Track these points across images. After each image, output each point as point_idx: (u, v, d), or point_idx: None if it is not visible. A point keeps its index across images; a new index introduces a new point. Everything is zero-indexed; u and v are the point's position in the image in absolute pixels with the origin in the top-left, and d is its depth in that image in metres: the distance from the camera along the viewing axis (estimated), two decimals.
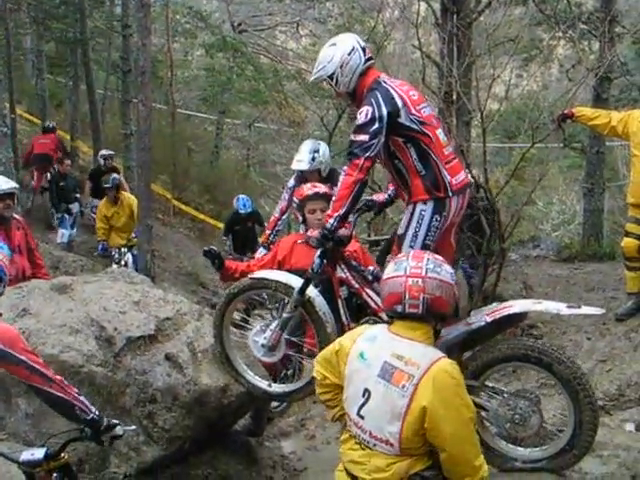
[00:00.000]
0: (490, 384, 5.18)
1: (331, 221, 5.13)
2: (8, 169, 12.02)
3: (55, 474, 4.08)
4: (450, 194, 5.16)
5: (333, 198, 5.18)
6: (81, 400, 4.08)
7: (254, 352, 5.72)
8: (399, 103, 5.07)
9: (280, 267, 6.52)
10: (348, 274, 5.55)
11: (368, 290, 5.50)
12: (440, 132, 5.27)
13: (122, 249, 13.73)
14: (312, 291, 5.48)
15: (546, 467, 5.10)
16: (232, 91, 27.25)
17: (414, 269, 3.98)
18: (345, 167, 5.07)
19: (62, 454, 4.14)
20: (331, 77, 5.29)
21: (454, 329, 5.02)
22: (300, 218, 6.61)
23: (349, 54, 5.24)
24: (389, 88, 5.14)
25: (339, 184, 5.07)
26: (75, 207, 16.00)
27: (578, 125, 9.74)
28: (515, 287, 10.60)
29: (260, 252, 8.83)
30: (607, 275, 12.78)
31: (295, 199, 6.64)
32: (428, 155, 5.13)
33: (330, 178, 8.26)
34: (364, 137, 4.96)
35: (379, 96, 5.05)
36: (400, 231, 5.27)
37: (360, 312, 5.55)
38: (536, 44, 23.80)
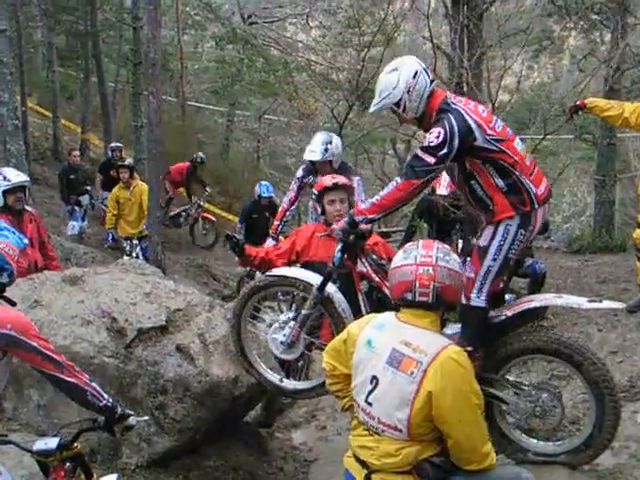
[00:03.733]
0: (511, 377, 5.16)
1: (361, 217, 5.06)
2: (20, 161, 12.05)
3: (68, 464, 4.10)
4: (536, 206, 4.98)
5: (376, 198, 5.03)
6: (93, 386, 4.10)
7: (273, 349, 5.69)
8: (473, 126, 4.87)
9: (298, 258, 6.54)
10: (369, 268, 5.50)
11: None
12: (518, 143, 5.07)
13: (133, 241, 13.77)
14: (331, 287, 5.46)
15: (557, 462, 5.10)
16: (242, 83, 27.16)
17: (424, 257, 3.99)
18: (400, 179, 4.91)
19: (75, 444, 4.16)
20: (397, 104, 5.06)
21: None
22: (319, 209, 6.58)
23: (414, 77, 5.01)
24: (460, 110, 4.93)
25: (388, 191, 4.94)
26: (85, 199, 16.01)
27: (590, 116, 9.70)
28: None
29: (269, 243, 8.86)
30: (618, 267, 12.76)
31: (314, 190, 6.63)
32: (509, 171, 4.94)
33: (341, 171, 8.29)
34: (430, 159, 4.80)
35: (452, 119, 4.84)
36: (483, 243, 5.08)
37: (380, 305, 5.42)
38: (547, 35, 23.76)
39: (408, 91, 4.99)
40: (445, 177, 10.15)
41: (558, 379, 6.60)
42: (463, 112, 4.89)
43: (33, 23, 27.00)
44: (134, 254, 13.46)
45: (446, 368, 3.77)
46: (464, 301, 4.96)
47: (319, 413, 8.60)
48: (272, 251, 6.71)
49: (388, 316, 4.09)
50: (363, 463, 3.94)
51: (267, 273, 5.84)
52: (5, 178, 7.79)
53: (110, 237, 14.26)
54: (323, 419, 8.47)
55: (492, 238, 5.01)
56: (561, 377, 6.86)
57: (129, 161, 14.86)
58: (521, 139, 5.26)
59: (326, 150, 8.38)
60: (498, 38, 10.51)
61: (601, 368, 4.83)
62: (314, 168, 8.61)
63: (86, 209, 16.15)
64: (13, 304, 4.15)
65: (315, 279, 5.47)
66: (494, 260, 5.00)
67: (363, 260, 5.52)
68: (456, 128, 4.78)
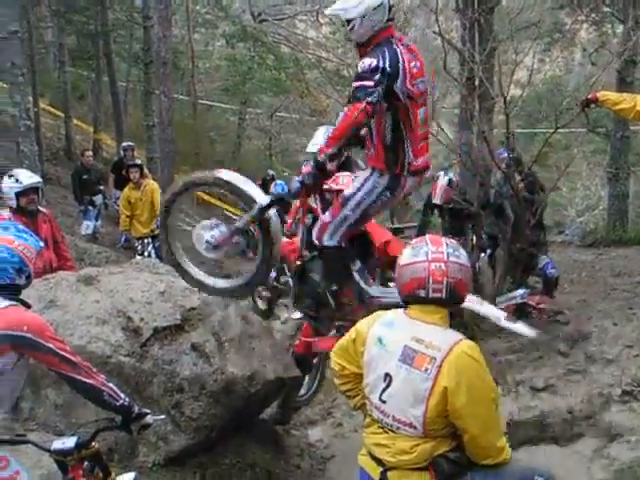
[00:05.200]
0: None
1: (323, 156, 5.10)
2: (32, 162, 12.08)
3: (86, 463, 4.12)
4: (405, 173, 5.19)
5: (330, 133, 5.15)
6: (110, 386, 4.12)
7: (196, 244, 5.71)
8: (400, 70, 5.00)
9: None
10: (318, 205, 5.68)
11: None
12: (421, 111, 5.19)
13: (145, 240, 13.78)
14: (272, 211, 5.55)
15: None
16: (253, 81, 27.21)
17: (435, 254, 3.97)
18: (345, 108, 5.00)
19: (93, 443, 4.18)
20: (348, 22, 5.13)
21: None
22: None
23: (375, 9, 5.07)
24: (398, 51, 5.04)
25: (338, 122, 5.04)
26: (99, 199, 16.04)
27: (602, 110, 9.67)
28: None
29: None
30: (632, 260, 12.73)
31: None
32: (400, 130, 5.12)
33: (346, 164, 8.29)
34: (369, 82, 4.88)
35: (387, 54, 4.97)
36: (348, 191, 5.33)
37: (314, 245, 5.62)
38: (559, 28, 23.66)
39: (363, 16, 5.05)
40: (441, 185, 10.19)
41: (573, 373, 6.60)
42: (399, 54, 5.02)
43: (44, 23, 27.10)
44: (146, 253, 13.48)
45: (460, 363, 3.76)
46: (317, 243, 5.40)
47: (335, 410, 8.62)
48: (286, 246, 6.72)
49: (396, 313, 4.08)
50: (378, 461, 3.93)
51: (219, 174, 5.75)
52: (17, 180, 7.81)
53: (124, 239, 14.28)
54: (339, 416, 8.49)
55: (357, 190, 5.25)
56: (575, 371, 6.88)
57: (139, 160, 14.87)
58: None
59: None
60: (509, 32, 10.48)
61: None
62: None
63: (99, 209, 16.20)
64: (28, 307, 4.17)
65: (263, 199, 5.49)
66: (351, 211, 5.26)
67: (316, 196, 5.69)
68: (388, 62, 4.92)
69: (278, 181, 14.56)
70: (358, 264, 5.67)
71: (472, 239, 10.36)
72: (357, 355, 4.08)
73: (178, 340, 6.06)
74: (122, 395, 4.18)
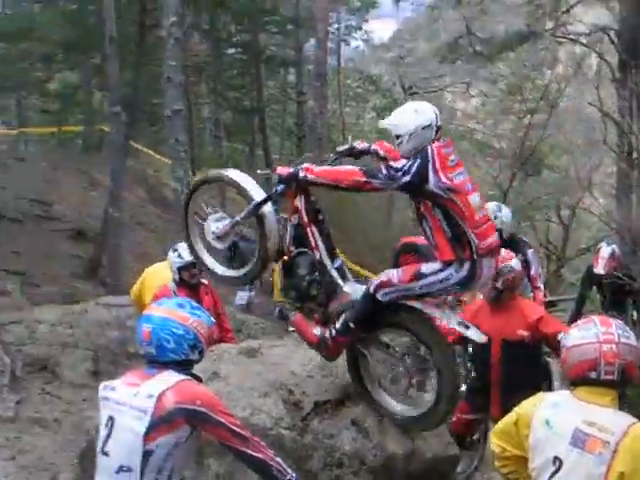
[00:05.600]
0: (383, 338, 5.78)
1: (302, 174, 5.53)
2: None
3: None
4: (475, 257, 5.26)
5: (326, 167, 5.64)
6: (277, 461, 4.17)
7: (206, 235, 6.24)
8: (430, 169, 5.16)
9: None
10: (303, 206, 5.84)
11: (314, 228, 5.85)
12: (473, 198, 5.32)
13: None
14: (267, 208, 5.89)
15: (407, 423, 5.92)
16: None
17: (606, 335, 3.89)
18: (356, 169, 5.32)
19: None
20: (397, 137, 5.42)
21: None
22: None
23: (423, 129, 5.32)
24: (429, 151, 5.22)
25: (341, 168, 5.52)
26: None
27: None
28: None
29: None
30: None
31: None
32: (455, 220, 5.23)
33: (512, 243, 8.26)
34: (384, 172, 5.22)
35: (418, 158, 5.19)
36: (424, 270, 5.39)
37: (300, 243, 5.92)
38: None
39: (410, 135, 5.31)
40: (603, 255, 9.94)
41: None
42: (429, 155, 5.20)
43: (202, 100, 28.25)
44: None
45: (636, 447, 3.65)
46: (371, 290, 5.49)
47: None
48: (443, 326, 6.75)
49: (561, 395, 4.01)
50: None
51: (228, 173, 6.28)
52: (179, 255, 8.11)
53: (279, 310, 14.51)
54: None
55: (432, 273, 5.34)
56: None
57: None
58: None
59: (495, 218, 8.33)
60: None
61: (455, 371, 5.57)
62: None
63: None
64: (199, 380, 4.31)
65: (259, 195, 5.87)
66: (419, 289, 5.39)
67: (302, 197, 5.84)
68: (416, 166, 5.15)
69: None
70: (338, 262, 5.97)
71: (632, 315, 10.07)
72: (520, 438, 4.01)
73: (338, 415, 6.08)
74: (289, 470, 4.22)
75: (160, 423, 3.96)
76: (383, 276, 5.53)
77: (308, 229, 5.88)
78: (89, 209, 22.44)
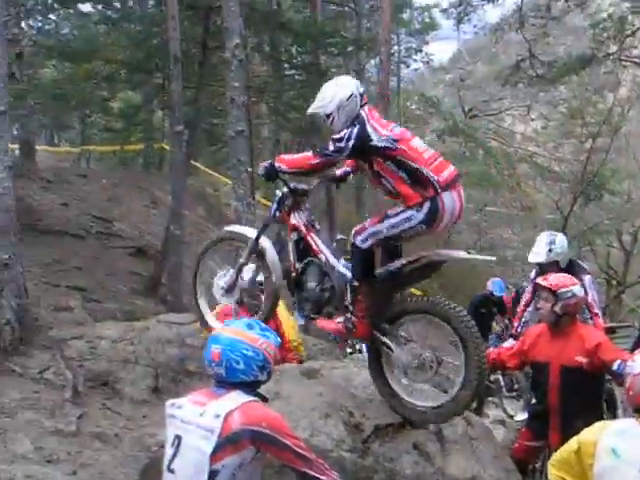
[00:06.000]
0: (402, 331, 5.96)
1: (277, 164, 5.93)
2: None
3: None
4: (439, 190, 5.53)
5: (294, 156, 6.00)
6: None
7: (216, 295, 6.60)
8: (369, 128, 5.64)
9: (525, 356, 6.58)
10: (300, 221, 6.20)
11: (313, 235, 6.16)
12: (416, 142, 5.74)
13: None
14: (265, 242, 6.30)
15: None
16: (463, 176, 27.35)
17: None
18: (310, 153, 5.80)
19: None
20: (328, 116, 5.83)
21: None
22: None
23: (348, 99, 5.76)
24: (363, 115, 5.73)
25: (300, 155, 5.92)
26: None
27: None
28: None
29: (509, 343, 8.87)
30: None
31: None
32: (408, 165, 5.57)
33: (570, 268, 8.22)
34: (331, 146, 5.65)
35: (356, 125, 5.66)
36: (390, 211, 5.73)
37: (304, 254, 6.20)
38: None
39: (339, 108, 5.77)
40: None
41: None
42: (364, 118, 5.72)
43: (261, 120, 28.44)
44: (357, 346, 13.59)
45: None
46: (352, 240, 5.85)
47: None
48: (504, 352, 6.75)
49: (627, 423, 3.96)
50: None
51: (226, 228, 6.94)
52: (241, 277, 8.13)
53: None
54: None
55: (395, 215, 5.67)
56: None
57: None
58: None
59: (550, 251, 8.37)
60: None
61: (478, 342, 5.56)
62: (543, 269, 8.54)
63: None
64: (266, 400, 4.33)
65: (253, 233, 6.32)
66: (386, 230, 5.69)
67: (296, 214, 6.21)
68: (356, 130, 5.62)
69: (496, 279, 14.40)
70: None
71: None
72: (582, 467, 3.95)
73: (399, 438, 6.06)
74: None
75: (226, 443, 3.98)
76: (358, 226, 5.91)
77: (308, 237, 6.19)
78: (149, 227, 22.72)
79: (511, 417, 11.09)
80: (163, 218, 21.30)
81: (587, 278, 8.36)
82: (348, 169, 6.54)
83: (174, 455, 4.16)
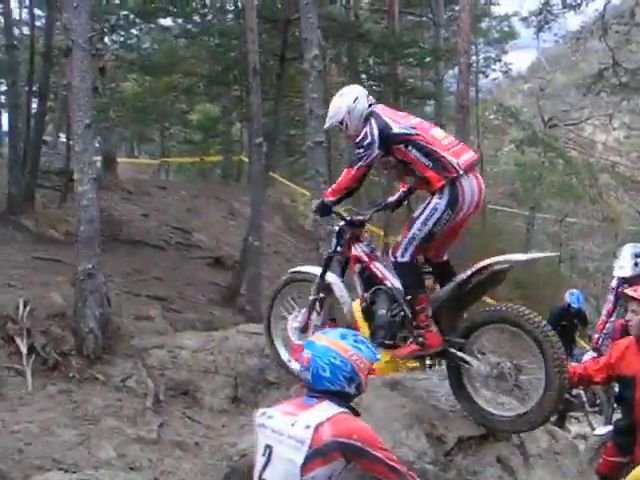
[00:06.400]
0: (477, 344, 5.91)
1: (326, 200, 6.12)
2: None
3: None
4: (460, 171, 5.68)
5: (334, 185, 6.11)
6: None
7: (291, 336, 6.66)
8: (387, 119, 5.89)
9: (612, 370, 6.40)
10: (361, 251, 6.28)
11: (375, 263, 6.22)
12: (435, 130, 5.97)
13: None
14: (331, 276, 6.42)
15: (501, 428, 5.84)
16: (543, 186, 27.01)
17: None
18: (345, 169, 6.00)
19: None
20: (341, 123, 6.10)
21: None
22: None
23: (354, 102, 6.05)
24: (377, 111, 6.00)
25: (340, 178, 6.00)
26: None
27: None
28: None
29: (589, 355, 8.70)
30: None
31: None
32: (428, 149, 5.75)
33: None
34: (360, 150, 5.85)
35: (372, 119, 5.91)
36: (414, 214, 5.85)
37: (369, 284, 6.23)
38: None
39: (349, 112, 6.05)
40: None
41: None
42: (379, 112, 5.98)
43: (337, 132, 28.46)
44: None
45: None
46: (392, 259, 5.95)
47: None
48: (591, 366, 6.59)
49: None
50: None
51: (293, 269, 6.94)
52: None
53: None
54: None
55: (421, 213, 5.78)
56: None
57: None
58: None
59: (636, 265, 8.16)
60: None
61: (555, 344, 5.45)
62: (628, 282, 8.33)
63: None
64: (357, 414, 4.27)
65: (318, 270, 6.46)
66: (419, 230, 5.79)
67: (356, 245, 6.30)
68: (374, 123, 5.87)
69: (574, 290, 14.15)
70: None
71: None
72: None
73: (482, 451, 5.95)
74: None
75: (316, 455, 3.95)
76: (392, 245, 6.07)
77: (371, 266, 6.24)
78: (227, 237, 22.93)
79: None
80: (241, 229, 21.49)
81: None
82: (401, 194, 6.66)
83: (265, 465, 4.14)
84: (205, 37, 24.05)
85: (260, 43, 17.82)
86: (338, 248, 6.37)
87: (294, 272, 6.83)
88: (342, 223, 6.31)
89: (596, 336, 8.95)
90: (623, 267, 8.23)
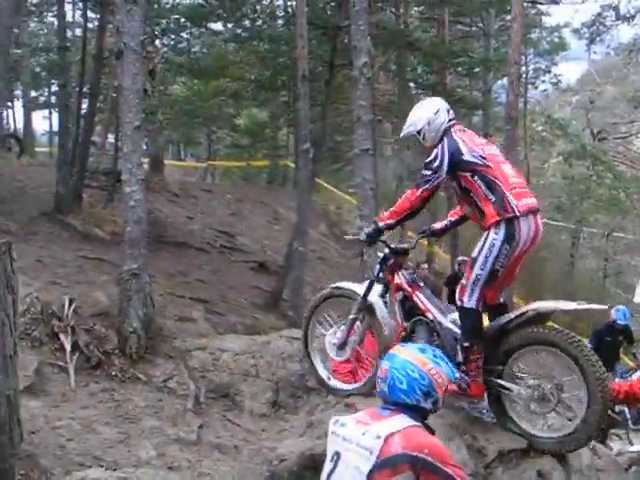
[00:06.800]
0: (514, 368, 5.91)
1: (381, 224, 6.09)
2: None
3: None
4: (517, 214, 5.67)
5: (393, 208, 6.01)
6: None
7: (329, 351, 6.61)
8: (460, 144, 5.84)
9: None
10: (403, 280, 6.31)
11: (418, 293, 6.24)
12: (505, 166, 5.91)
13: None
14: (373, 297, 6.37)
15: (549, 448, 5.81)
16: (590, 200, 26.76)
17: None
18: (409, 191, 5.92)
19: None
20: (419, 132, 6.04)
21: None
22: None
23: (435, 114, 6.01)
24: (453, 134, 5.93)
25: (401, 201, 5.95)
26: None
27: None
28: None
29: (637, 374, 8.69)
30: None
31: None
32: (494, 183, 5.73)
33: None
34: (428, 172, 5.82)
35: (445, 141, 5.88)
36: (473, 255, 5.82)
37: (410, 314, 6.28)
38: None
39: (428, 123, 6.00)
40: None
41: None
42: (455, 135, 5.92)
43: (385, 139, 28.46)
44: None
45: None
46: (459, 303, 5.89)
47: None
48: (636, 384, 6.53)
49: None
50: None
51: (332, 285, 6.91)
52: None
53: None
54: None
55: (480, 250, 5.77)
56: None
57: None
58: None
59: None
60: None
61: (592, 358, 5.43)
62: None
63: None
64: (432, 432, 4.23)
65: (361, 289, 6.42)
66: (481, 269, 5.77)
67: (399, 274, 6.34)
68: (447, 145, 5.83)
69: (620, 306, 14.02)
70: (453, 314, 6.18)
71: None
72: None
73: (523, 465, 5.90)
74: None
75: (384, 466, 3.92)
76: (458, 288, 5.96)
77: (414, 297, 6.27)
78: (271, 242, 23.01)
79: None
80: (285, 234, 21.55)
81: None
82: (448, 223, 6.74)
83: (332, 471, 4.14)
84: (255, 42, 24.15)
85: (309, 49, 17.88)
86: (380, 274, 6.37)
87: (335, 288, 6.81)
88: (386, 250, 6.30)
89: None
90: None
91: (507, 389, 5.82)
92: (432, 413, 4.28)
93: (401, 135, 6.38)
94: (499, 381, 5.86)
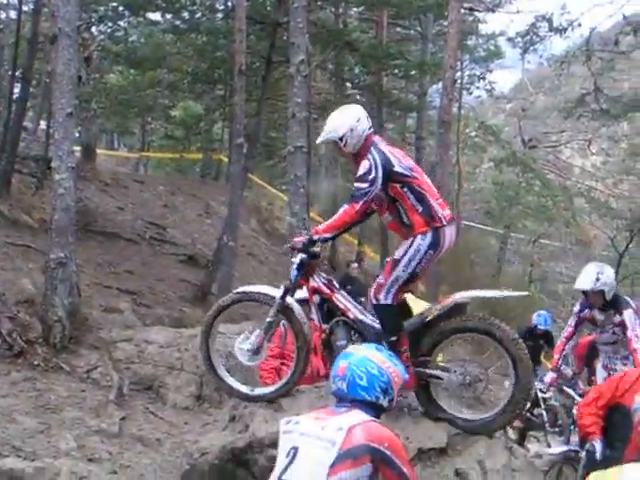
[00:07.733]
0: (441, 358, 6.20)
1: (317, 237, 6.04)
2: None
3: None
4: (444, 223, 5.87)
5: (330, 221, 6.03)
6: None
7: (239, 358, 6.35)
8: (390, 156, 5.93)
9: (613, 398, 6.46)
10: (320, 283, 6.27)
11: (337, 294, 6.25)
12: (426, 178, 6.06)
13: None
14: (290, 299, 6.28)
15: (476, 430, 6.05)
16: (519, 206, 27.21)
17: None
18: (346, 205, 5.90)
19: None
20: (341, 139, 6.01)
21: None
22: None
23: (357, 121, 6.01)
24: (381, 147, 5.97)
25: (338, 215, 5.94)
26: None
27: None
28: None
29: (549, 376, 8.92)
30: None
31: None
32: (422, 194, 5.88)
33: (614, 303, 8.17)
34: (363, 185, 5.82)
35: (375, 153, 5.88)
36: (396, 256, 5.95)
37: (329, 315, 6.28)
38: None
39: (351, 130, 5.98)
40: None
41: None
42: (381, 147, 5.98)
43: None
44: None
45: None
46: (374, 301, 5.98)
47: None
48: (588, 411, 6.63)
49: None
50: None
51: (238, 289, 6.68)
52: None
53: None
54: None
55: (404, 254, 5.89)
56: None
57: None
58: None
59: (597, 280, 8.26)
60: None
61: (514, 338, 5.78)
62: (589, 302, 8.48)
63: None
64: None
65: (276, 292, 6.27)
66: (403, 271, 5.91)
67: (315, 277, 6.28)
68: (378, 158, 5.86)
69: (542, 311, 14.28)
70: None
71: None
72: None
73: (441, 463, 5.98)
74: None
75: (346, 457, 3.92)
76: (373, 287, 6.04)
77: (333, 298, 6.27)
78: (202, 236, 22.89)
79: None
80: (216, 228, 21.47)
81: (627, 312, 8.26)
82: None
83: (288, 465, 4.10)
84: (193, 34, 24.01)
85: (248, 44, 17.88)
86: (297, 279, 6.25)
87: (244, 292, 6.56)
88: (304, 255, 6.15)
89: (556, 357, 9.08)
90: (584, 281, 8.32)
91: (438, 377, 5.97)
92: (386, 412, 4.33)
93: (320, 140, 6.34)
94: (429, 371, 5.99)
